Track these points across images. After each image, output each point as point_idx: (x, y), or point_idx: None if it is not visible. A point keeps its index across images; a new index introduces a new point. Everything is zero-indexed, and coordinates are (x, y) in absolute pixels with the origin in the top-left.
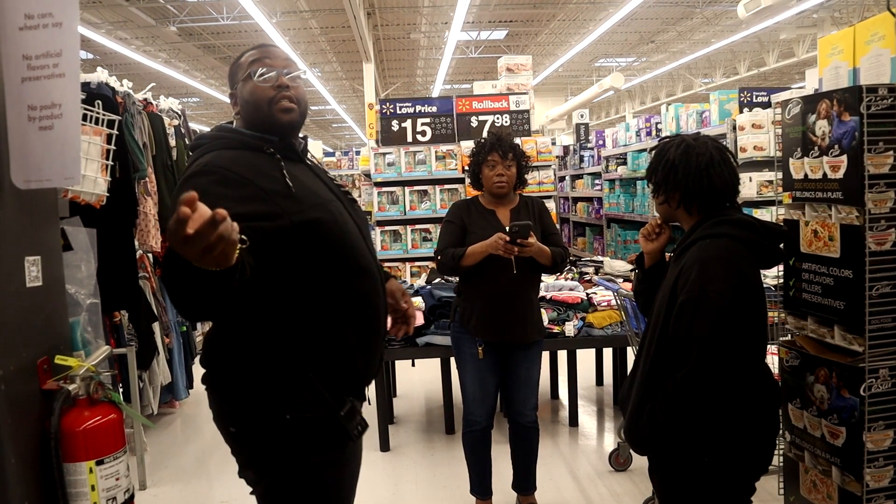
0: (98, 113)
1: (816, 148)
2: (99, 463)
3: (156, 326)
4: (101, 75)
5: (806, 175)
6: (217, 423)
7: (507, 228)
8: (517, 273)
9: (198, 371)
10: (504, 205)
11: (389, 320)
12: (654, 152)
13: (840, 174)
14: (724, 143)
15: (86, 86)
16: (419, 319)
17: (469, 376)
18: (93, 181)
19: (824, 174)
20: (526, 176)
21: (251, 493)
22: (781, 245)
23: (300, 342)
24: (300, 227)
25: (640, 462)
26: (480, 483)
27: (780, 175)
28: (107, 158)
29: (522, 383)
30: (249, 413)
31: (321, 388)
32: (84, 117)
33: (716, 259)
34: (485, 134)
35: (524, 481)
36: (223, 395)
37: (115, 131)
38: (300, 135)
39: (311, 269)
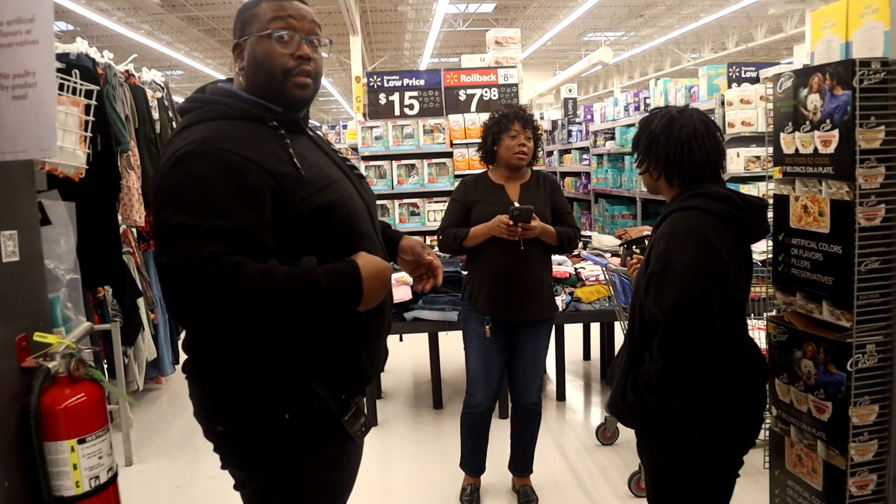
0: (75, 82)
1: (808, 122)
2: (81, 441)
3: (140, 302)
4: (80, 46)
5: (797, 150)
6: (199, 418)
7: (509, 211)
8: (525, 249)
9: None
10: (515, 180)
11: (411, 278)
12: (640, 122)
13: (831, 149)
14: (713, 118)
15: (65, 56)
16: (407, 294)
17: (474, 356)
18: (71, 153)
19: (815, 149)
20: (539, 153)
21: (234, 487)
22: (769, 218)
23: (302, 342)
24: (310, 214)
25: (626, 436)
26: (474, 461)
27: (770, 150)
28: (85, 130)
29: (528, 362)
30: (242, 411)
31: (324, 394)
32: (60, 87)
33: (683, 231)
34: (473, 107)
35: (521, 463)
36: (210, 388)
37: (93, 101)
38: None
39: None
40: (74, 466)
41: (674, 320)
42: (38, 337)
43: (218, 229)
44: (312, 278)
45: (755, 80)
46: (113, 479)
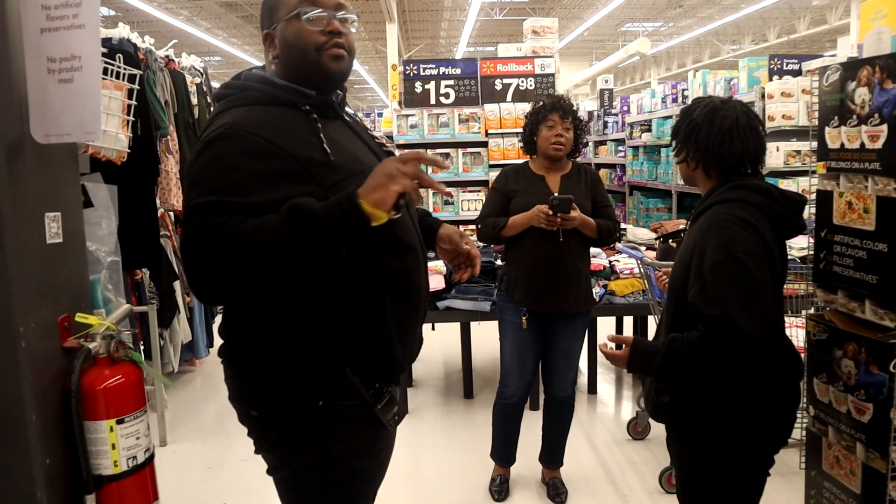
0: (119, 67)
1: (855, 116)
2: (119, 422)
3: (177, 285)
4: (122, 31)
5: (842, 144)
6: (234, 402)
7: (549, 201)
8: (564, 241)
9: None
10: (555, 171)
11: (445, 268)
12: (681, 111)
13: (879, 144)
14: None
15: (107, 41)
16: (440, 283)
17: (509, 347)
18: (114, 137)
19: (862, 144)
20: (581, 146)
21: (267, 472)
22: (805, 214)
23: (335, 329)
24: None
25: (657, 431)
26: (505, 451)
27: (814, 144)
28: (128, 114)
29: (563, 355)
30: (275, 397)
31: (358, 382)
32: (105, 71)
33: (734, 220)
34: (509, 97)
35: (552, 455)
36: (244, 373)
37: (136, 86)
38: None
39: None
40: (113, 446)
41: (740, 309)
42: (80, 318)
43: (235, 203)
44: (304, 205)
45: (797, 73)
46: (150, 460)
